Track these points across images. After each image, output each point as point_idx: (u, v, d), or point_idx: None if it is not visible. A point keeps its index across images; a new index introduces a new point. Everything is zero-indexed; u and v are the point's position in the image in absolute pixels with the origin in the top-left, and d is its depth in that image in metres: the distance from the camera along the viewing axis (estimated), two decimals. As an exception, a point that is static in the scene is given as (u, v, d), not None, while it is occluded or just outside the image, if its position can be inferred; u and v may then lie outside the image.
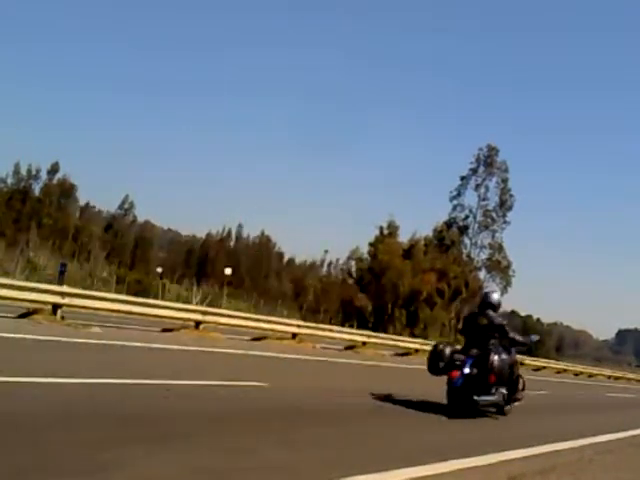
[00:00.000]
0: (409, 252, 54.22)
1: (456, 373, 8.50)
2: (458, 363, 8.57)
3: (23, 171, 65.89)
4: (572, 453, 6.84)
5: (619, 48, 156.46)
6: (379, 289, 51.91)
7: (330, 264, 77.64)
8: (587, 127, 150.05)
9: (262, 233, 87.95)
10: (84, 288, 21.39)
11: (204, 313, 17.50)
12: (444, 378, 8.80)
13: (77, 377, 6.77)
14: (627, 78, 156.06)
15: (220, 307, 27.24)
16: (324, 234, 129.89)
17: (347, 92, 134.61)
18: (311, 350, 18.21)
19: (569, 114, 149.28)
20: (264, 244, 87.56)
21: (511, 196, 61.48)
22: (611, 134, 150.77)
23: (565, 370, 36.72)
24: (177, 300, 32.79)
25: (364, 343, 22.08)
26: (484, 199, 61.85)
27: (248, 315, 20.81)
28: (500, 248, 61.80)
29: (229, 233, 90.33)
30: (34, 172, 66.17)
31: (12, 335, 10.09)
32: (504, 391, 9.02)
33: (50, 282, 21.02)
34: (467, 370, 8.45)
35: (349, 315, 51.29)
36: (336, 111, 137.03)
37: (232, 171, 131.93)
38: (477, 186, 61.80)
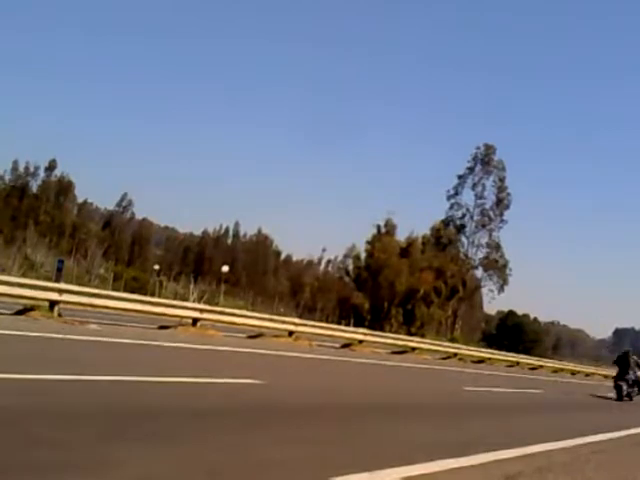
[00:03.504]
0: (406, 250, 54.28)
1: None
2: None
3: (21, 168, 65.88)
4: (568, 452, 6.85)
5: (623, 40, 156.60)
6: (376, 287, 51.93)
7: (328, 262, 77.76)
8: (587, 125, 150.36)
9: (259, 231, 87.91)
10: (81, 285, 21.36)
11: (201, 311, 17.51)
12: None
13: (73, 374, 6.76)
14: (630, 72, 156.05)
15: (217, 305, 27.25)
16: (322, 232, 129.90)
17: (346, 91, 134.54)
18: (308, 348, 18.23)
19: (570, 110, 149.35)
20: (261, 242, 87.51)
21: (508, 195, 61.74)
22: (611, 132, 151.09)
23: (562, 369, 36.82)
24: (174, 298, 32.84)
25: (361, 341, 22.11)
26: (481, 198, 62.07)
27: (245, 313, 20.82)
28: (497, 247, 62.06)
29: (226, 231, 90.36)
30: (32, 169, 66.16)
31: (9, 332, 10.08)
32: None
33: (47, 279, 20.99)
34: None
35: (346, 313, 51.34)
36: (335, 110, 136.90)
37: (229, 169, 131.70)
38: (474, 185, 62.01)
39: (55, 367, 7.08)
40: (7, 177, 65.71)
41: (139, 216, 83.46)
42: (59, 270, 30.09)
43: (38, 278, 21.69)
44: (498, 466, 5.38)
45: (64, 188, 67.64)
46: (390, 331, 39.90)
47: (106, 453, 3.99)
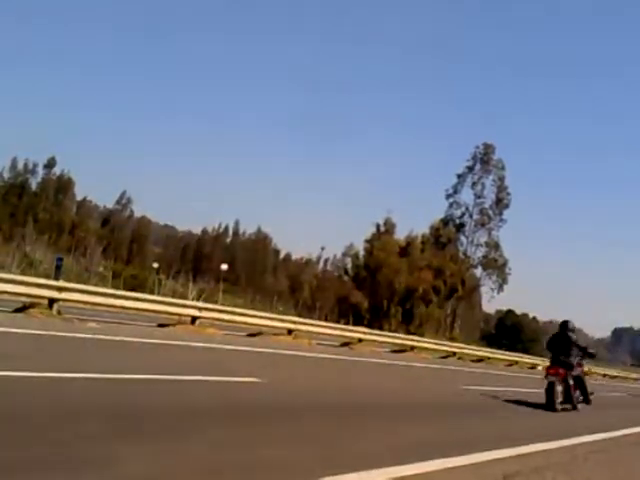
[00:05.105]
0: (405, 249, 54.31)
1: None
2: None
3: (20, 165, 65.84)
4: (566, 452, 6.86)
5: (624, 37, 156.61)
6: (375, 286, 51.98)
7: (326, 261, 77.66)
8: (587, 125, 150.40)
9: (258, 229, 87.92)
10: (80, 283, 21.33)
11: (200, 309, 17.49)
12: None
13: (72, 372, 6.76)
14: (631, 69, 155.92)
15: (216, 303, 27.23)
16: (321, 231, 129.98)
17: (346, 90, 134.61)
18: (307, 346, 18.22)
19: (571, 109, 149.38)
20: (260, 240, 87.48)
21: (508, 194, 61.72)
22: (611, 132, 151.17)
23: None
24: (173, 296, 32.78)
25: (360, 340, 22.10)
26: (480, 197, 62.05)
27: (244, 311, 20.75)
28: (496, 246, 62.01)
29: (225, 229, 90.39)
30: (31, 167, 66.11)
31: (7, 329, 10.08)
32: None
33: (47, 276, 20.99)
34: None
35: (345, 312, 51.35)
36: (334, 110, 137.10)
37: (229, 167, 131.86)
38: (473, 184, 61.99)
39: (52, 365, 7.08)
40: (6, 174, 65.71)
41: (138, 214, 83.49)
42: (58, 268, 30.05)
43: (37, 276, 21.63)
44: (495, 466, 5.39)
45: (63, 186, 67.60)
46: (389, 330, 39.94)
47: (107, 451, 4.00)
